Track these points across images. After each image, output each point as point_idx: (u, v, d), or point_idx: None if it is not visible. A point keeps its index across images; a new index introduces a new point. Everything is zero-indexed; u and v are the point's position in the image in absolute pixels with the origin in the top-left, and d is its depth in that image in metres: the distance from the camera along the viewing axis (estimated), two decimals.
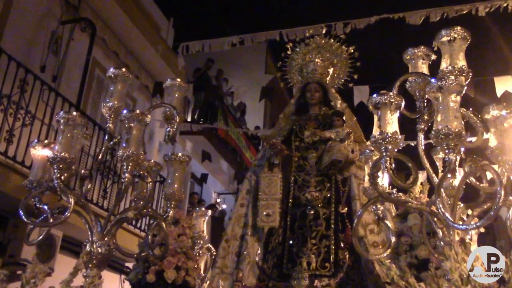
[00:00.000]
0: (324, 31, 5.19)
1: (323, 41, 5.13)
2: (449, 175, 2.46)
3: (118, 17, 9.47)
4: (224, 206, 14.18)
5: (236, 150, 14.20)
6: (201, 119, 12.81)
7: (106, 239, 3.13)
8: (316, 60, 5.02)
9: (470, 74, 2.69)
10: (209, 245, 4.97)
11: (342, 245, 4.44)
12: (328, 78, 5.04)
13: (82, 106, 8.42)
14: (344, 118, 4.73)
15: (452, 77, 2.44)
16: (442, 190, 2.63)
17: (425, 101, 3.02)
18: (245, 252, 4.57)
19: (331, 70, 5.08)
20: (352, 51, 5.04)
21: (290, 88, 8.98)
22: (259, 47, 16.16)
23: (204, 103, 13.15)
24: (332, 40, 5.12)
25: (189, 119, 12.71)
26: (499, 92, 8.76)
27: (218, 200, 14.62)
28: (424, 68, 3.06)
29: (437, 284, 2.21)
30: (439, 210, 2.47)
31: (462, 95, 2.48)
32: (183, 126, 11.23)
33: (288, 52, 5.19)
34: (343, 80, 5.14)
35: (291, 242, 4.55)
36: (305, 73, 5.06)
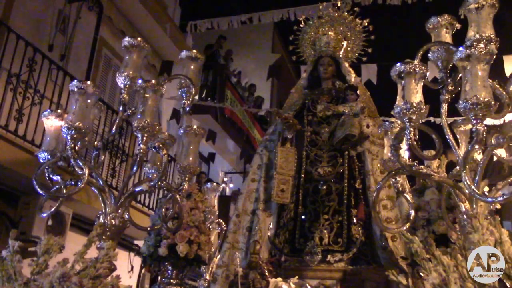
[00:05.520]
0: (339, 4, 5.04)
1: (336, 14, 5.02)
2: (476, 146, 2.39)
3: None
4: (231, 186, 14.15)
5: (242, 129, 14.11)
6: (209, 98, 12.69)
7: (119, 211, 3.08)
8: (330, 33, 4.92)
9: (498, 43, 2.60)
10: (219, 220, 4.94)
11: (355, 220, 4.40)
12: (341, 52, 4.95)
13: None
14: (358, 92, 4.65)
15: (482, 45, 2.36)
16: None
17: (448, 71, 2.93)
18: (256, 227, 4.52)
19: (344, 44, 4.98)
20: (366, 24, 4.94)
21: (297, 67, 8.86)
22: (266, 26, 15.98)
23: (213, 82, 13.02)
24: (346, 13, 5.02)
25: (196, 98, 12.59)
26: (508, 71, 8.65)
27: (225, 179, 14.58)
28: (448, 38, 2.97)
29: (465, 257, 2.15)
30: (465, 183, 2.41)
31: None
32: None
33: (301, 25, 5.10)
34: (356, 54, 5.06)
35: (303, 217, 4.50)
36: (317, 46, 4.96)
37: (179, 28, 11.59)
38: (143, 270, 8.95)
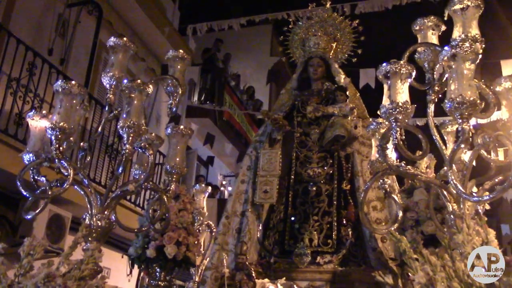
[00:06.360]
0: (328, 5, 5.02)
1: (326, 15, 5.02)
2: (462, 146, 2.38)
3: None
4: (229, 189, 14.13)
5: (240, 132, 14.10)
6: (207, 102, 12.68)
7: (106, 212, 3.05)
8: (319, 34, 4.91)
9: (483, 43, 2.59)
10: (209, 221, 4.91)
11: (344, 221, 4.39)
12: (331, 53, 4.94)
13: (90, 89, 8.37)
14: (347, 93, 4.64)
15: (467, 44, 2.35)
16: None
17: (435, 72, 2.92)
18: (245, 229, 4.51)
19: (334, 45, 4.97)
20: (356, 25, 4.93)
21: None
22: (265, 30, 15.93)
23: (211, 86, 13.01)
24: (336, 14, 5.01)
25: (195, 100, 12.64)
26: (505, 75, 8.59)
27: (224, 183, 14.56)
28: (434, 39, 2.96)
29: (451, 257, 2.13)
30: (452, 182, 2.39)
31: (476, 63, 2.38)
32: (188, 108, 11.25)
33: (291, 26, 5.09)
34: (346, 55, 5.05)
35: (292, 218, 4.49)
36: (307, 47, 4.96)
37: (178, 31, 11.56)
38: (142, 273, 8.89)
